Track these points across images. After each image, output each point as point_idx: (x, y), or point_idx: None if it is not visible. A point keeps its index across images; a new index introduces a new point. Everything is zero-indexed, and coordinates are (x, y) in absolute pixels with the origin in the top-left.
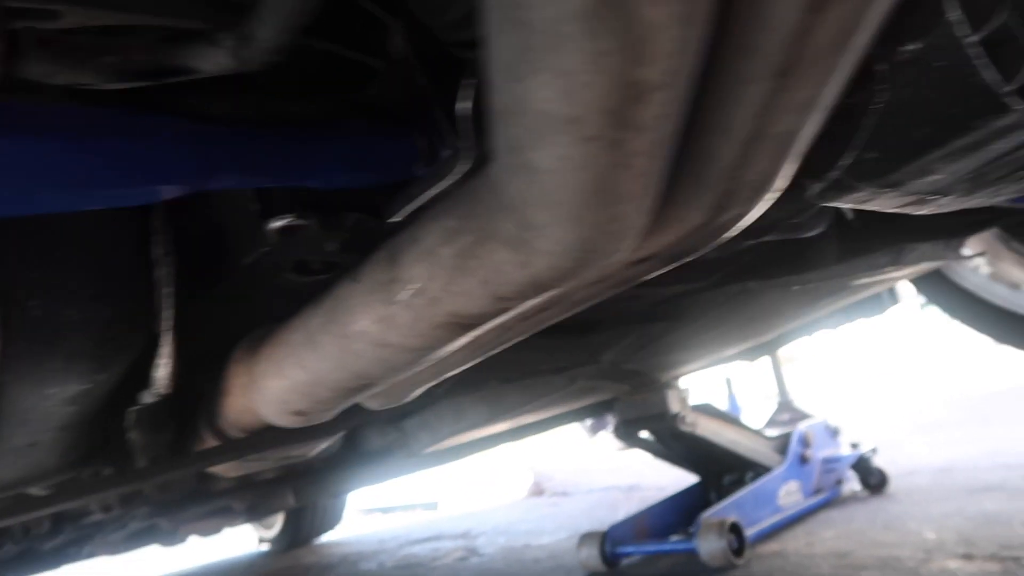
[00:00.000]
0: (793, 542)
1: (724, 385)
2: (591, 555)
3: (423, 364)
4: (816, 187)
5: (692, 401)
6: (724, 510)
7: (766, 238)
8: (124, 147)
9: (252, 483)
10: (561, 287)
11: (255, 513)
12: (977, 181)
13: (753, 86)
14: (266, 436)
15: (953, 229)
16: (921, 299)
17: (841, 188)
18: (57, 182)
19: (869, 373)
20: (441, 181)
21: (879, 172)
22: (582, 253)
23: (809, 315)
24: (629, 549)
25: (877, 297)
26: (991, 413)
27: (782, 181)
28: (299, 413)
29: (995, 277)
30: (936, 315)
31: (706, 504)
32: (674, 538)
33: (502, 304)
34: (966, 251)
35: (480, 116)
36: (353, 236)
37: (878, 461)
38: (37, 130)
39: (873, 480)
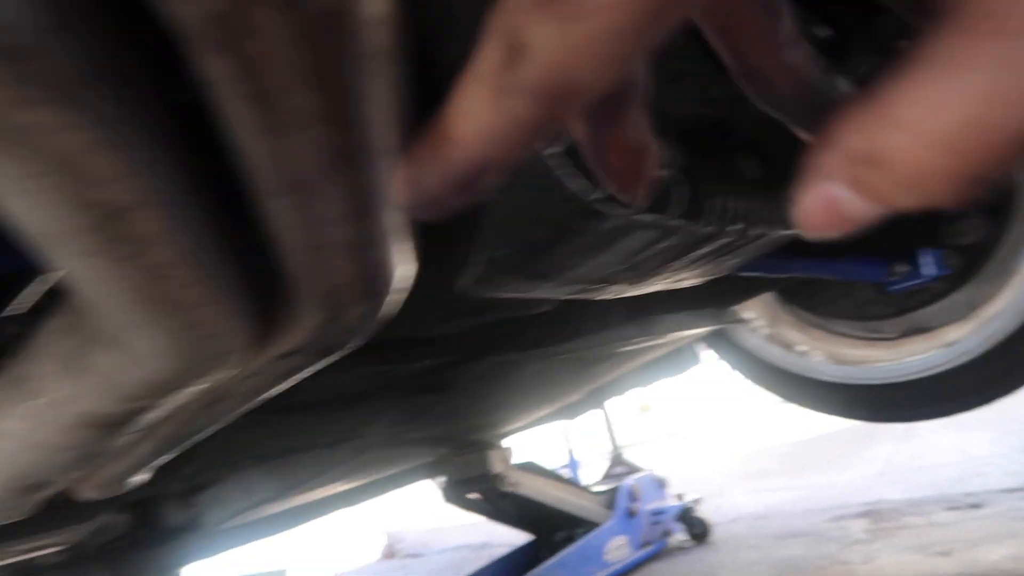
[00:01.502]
0: None
1: (563, 440)
2: None
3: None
4: (465, 279)
5: (515, 460)
6: (549, 569)
7: (486, 316)
8: None
9: (29, 570)
10: (192, 386)
11: None
12: (638, 270)
13: (270, 202)
14: None
15: (725, 297)
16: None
17: (491, 281)
18: None
19: (703, 423)
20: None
21: (517, 266)
22: (185, 356)
23: (597, 379)
24: None
25: (678, 357)
26: (808, 460)
27: (400, 282)
28: None
29: (771, 339)
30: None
31: (536, 562)
32: None
33: (133, 404)
34: (745, 315)
35: None
36: None
37: (702, 511)
38: None
39: (696, 530)
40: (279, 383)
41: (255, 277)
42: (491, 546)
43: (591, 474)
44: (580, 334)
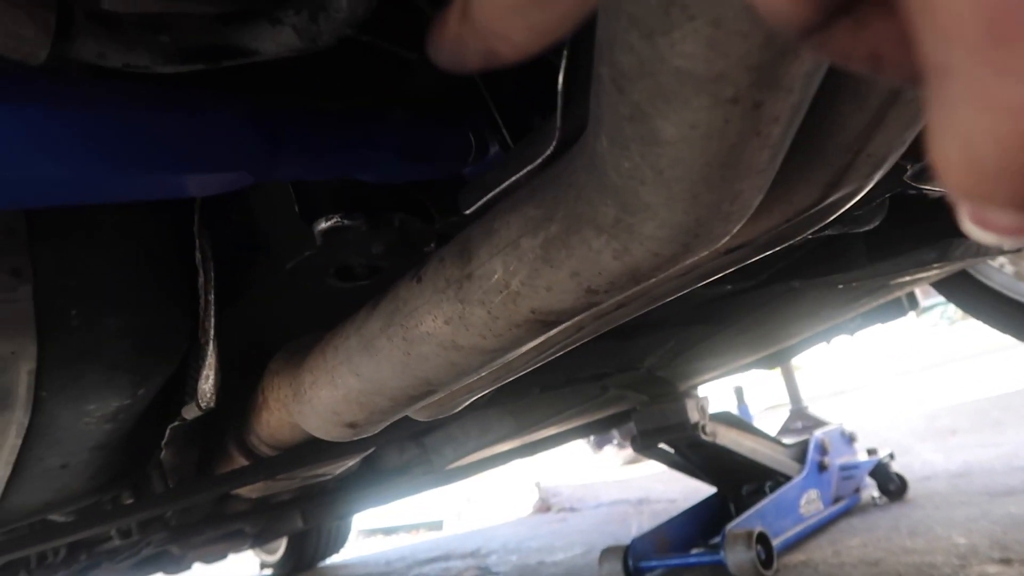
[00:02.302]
0: (819, 552)
1: (734, 394)
2: (613, 570)
3: (493, 366)
4: (916, 167)
5: (711, 410)
6: (749, 520)
7: (828, 231)
8: (186, 126)
9: (268, 505)
10: (657, 277)
11: (263, 537)
12: None
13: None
14: (302, 453)
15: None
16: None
17: None
18: (118, 166)
19: (874, 378)
20: (527, 166)
21: None
22: (690, 237)
23: (844, 316)
24: (653, 563)
25: (898, 301)
26: (1001, 416)
27: (898, 154)
28: (351, 425)
29: (1020, 276)
30: (931, 321)
31: (726, 515)
32: (697, 551)
33: (591, 298)
34: (1008, 246)
35: (571, 92)
36: (399, 237)
37: (895, 467)
38: (96, 106)
39: (893, 486)
40: (693, 286)
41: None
42: (649, 501)
43: (766, 429)
44: (872, 260)
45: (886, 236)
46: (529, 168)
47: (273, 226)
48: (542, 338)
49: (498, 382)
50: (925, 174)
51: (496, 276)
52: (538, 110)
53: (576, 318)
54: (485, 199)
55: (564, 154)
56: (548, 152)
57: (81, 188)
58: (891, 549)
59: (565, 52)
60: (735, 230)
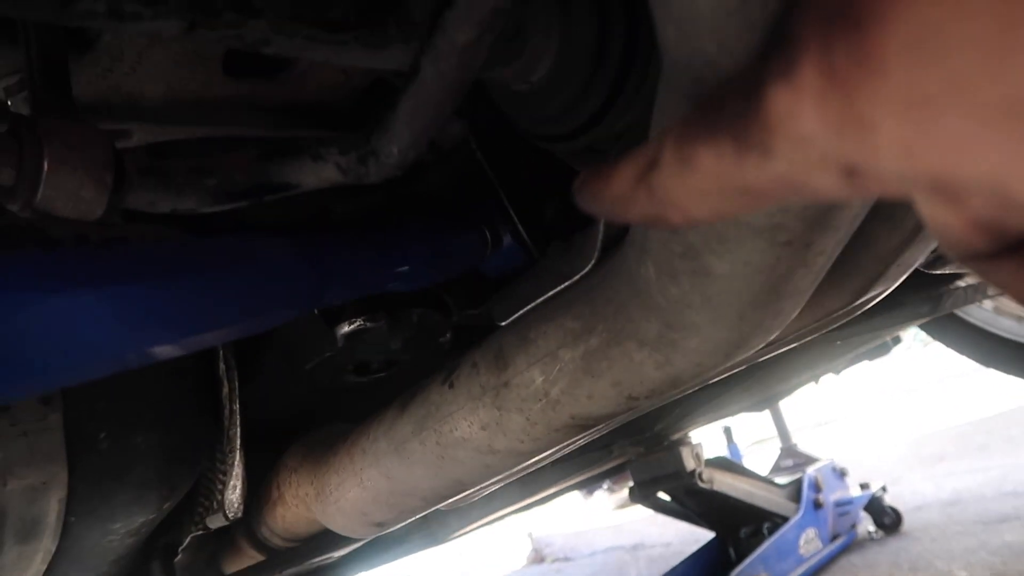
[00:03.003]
0: None
1: (723, 434)
2: None
3: (525, 464)
4: (931, 256)
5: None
6: (752, 566)
7: None
8: (248, 277)
9: None
10: (696, 382)
11: None
12: None
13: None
14: (318, 543)
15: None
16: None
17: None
18: (181, 326)
19: (855, 406)
20: (565, 282)
21: None
22: (732, 348)
23: (838, 363)
24: None
25: (878, 344)
26: (986, 441)
27: (924, 257)
28: (379, 524)
29: (999, 311)
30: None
31: (727, 560)
32: None
33: (631, 403)
34: (992, 291)
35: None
36: (418, 332)
37: (888, 499)
38: (155, 273)
39: (888, 520)
40: (713, 379)
41: None
42: (645, 546)
43: (757, 468)
44: (878, 315)
45: None
46: (567, 284)
47: (291, 329)
48: (578, 438)
49: (524, 472)
50: (939, 262)
51: (535, 384)
52: (549, 202)
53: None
54: (522, 312)
55: (598, 268)
56: (587, 269)
57: (138, 359)
58: None
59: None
60: (772, 339)
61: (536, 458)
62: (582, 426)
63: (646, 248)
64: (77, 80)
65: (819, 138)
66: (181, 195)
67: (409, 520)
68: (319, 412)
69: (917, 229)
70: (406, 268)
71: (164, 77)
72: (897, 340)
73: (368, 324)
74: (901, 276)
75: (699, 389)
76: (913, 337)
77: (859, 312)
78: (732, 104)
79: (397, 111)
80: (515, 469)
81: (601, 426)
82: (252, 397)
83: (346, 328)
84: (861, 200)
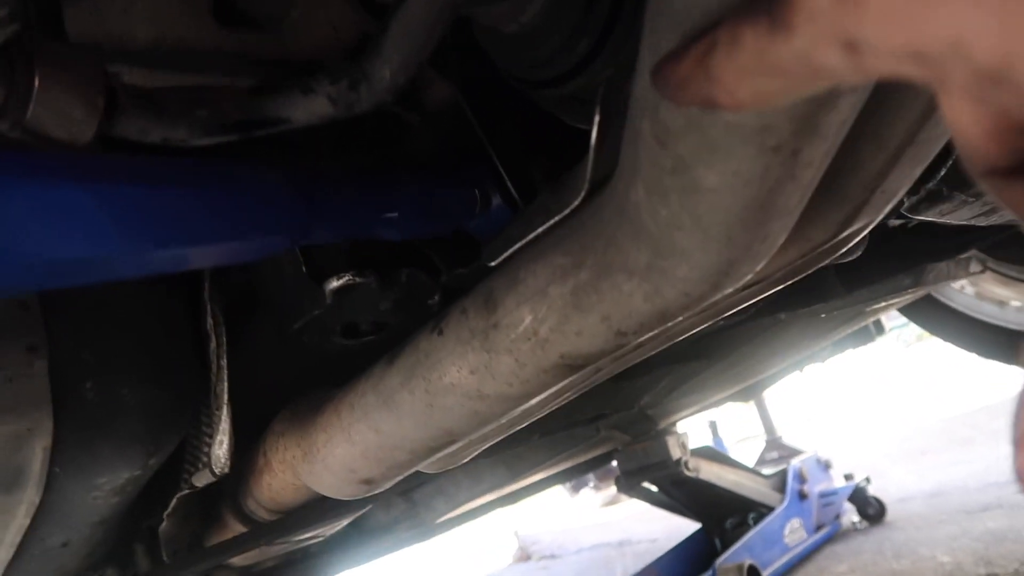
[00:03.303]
0: None
1: (709, 428)
2: None
3: (513, 413)
4: (913, 199)
5: (691, 445)
6: (737, 554)
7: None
8: (231, 196)
9: (250, 574)
10: (683, 316)
11: None
12: None
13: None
14: (303, 514)
15: (951, 250)
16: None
17: (933, 198)
18: (169, 237)
19: (840, 403)
20: (554, 217)
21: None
22: (720, 277)
23: (820, 344)
24: None
25: (866, 328)
26: (969, 434)
27: (907, 188)
28: (367, 481)
29: (980, 296)
30: (887, 345)
31: (712, 551)
32: None
33: (620, 340)
34: (973, 268)
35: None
36: (406, 293)
37: (872, 490)
38: (141, 183)
39: (871, 510)
40: (707, 323)
41: None
42: (631, 542)
43: (744, 460)
44: (862, 285)
45: (855, 264)
46: (557, 219)
47: (278, 286)
48: (566, 381)
49: (512, 429)
50: (921, 205)
51: (524, 324)
52: (536, 162)
53: (601, 360)
54: (511, 251)
55: (587, 204)
56: (577, 202)
57: (124, 266)
58: (879, 573)
59: (598, 107)
60: (760, 268)
61: (526, 405)
62: (571, 366)
63: (636, 168)
64: (70, 17)
65: (826, 12)
66: (172, 125)
67: (398, 477)
68: (308, 381)
69: (902, 148)
70: (395, 214)
71: (155, 20)
72: (880, 329)
73: (357, 279)
74: (886, 206)
75: (685, 361)
76: (896, 338)
77: (845, 249)
78: None
79: (388, 32)
80: (504, 420)
81: (588, 372)
82: (240, 367)
83: (335, 283)
84: (854, 95)
